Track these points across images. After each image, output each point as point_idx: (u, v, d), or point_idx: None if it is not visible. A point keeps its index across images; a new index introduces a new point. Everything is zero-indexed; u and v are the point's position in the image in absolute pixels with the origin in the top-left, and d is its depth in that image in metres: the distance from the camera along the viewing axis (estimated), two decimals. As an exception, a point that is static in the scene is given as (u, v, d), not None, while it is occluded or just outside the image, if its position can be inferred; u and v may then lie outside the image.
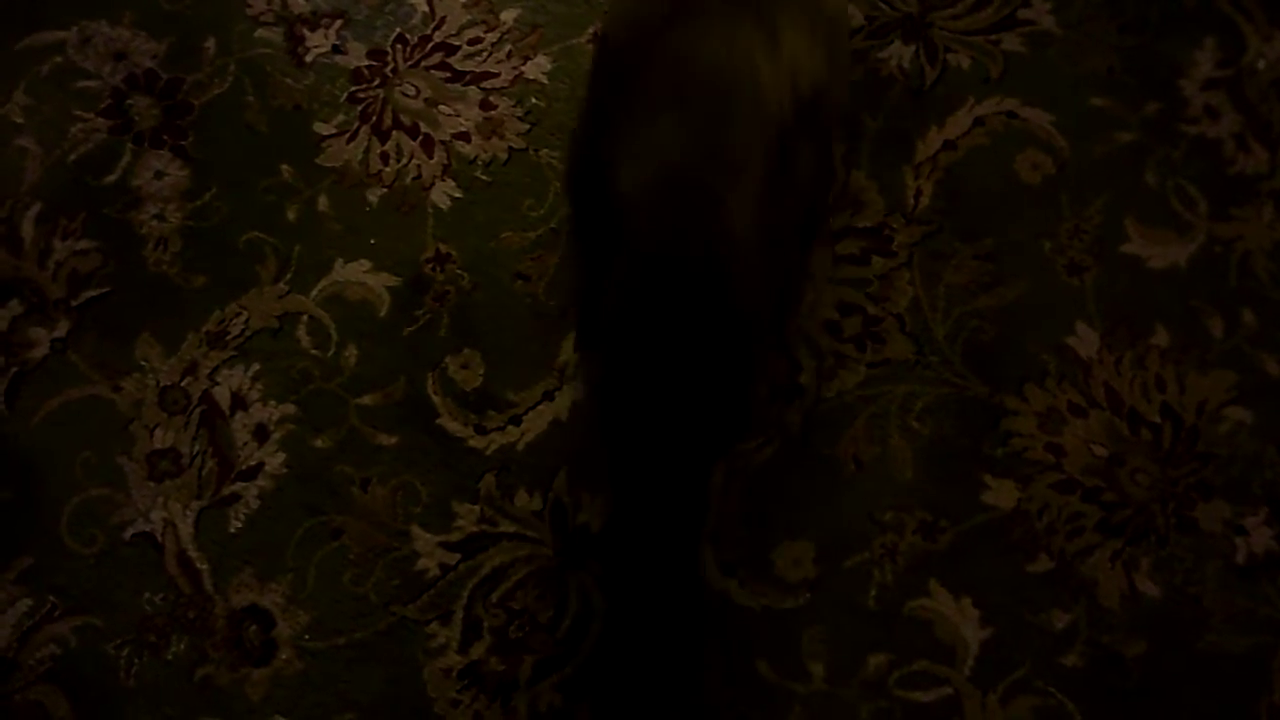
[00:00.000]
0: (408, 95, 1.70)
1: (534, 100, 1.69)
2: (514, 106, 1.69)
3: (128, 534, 1.49)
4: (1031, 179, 1.60)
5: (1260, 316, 1.50)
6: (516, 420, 1.51)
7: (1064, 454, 1.46)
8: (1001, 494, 1.45)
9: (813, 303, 1.55)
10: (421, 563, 1.46)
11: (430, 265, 1.60)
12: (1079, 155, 1.60)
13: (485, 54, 1.73)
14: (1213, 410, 1.46)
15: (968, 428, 1.48)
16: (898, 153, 1.62)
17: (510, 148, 1.66)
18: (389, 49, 1.74)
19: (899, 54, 1.68)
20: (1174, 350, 1.49)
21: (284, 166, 1.66)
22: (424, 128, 1.69)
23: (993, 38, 1.68)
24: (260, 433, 1.52)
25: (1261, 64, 1.64)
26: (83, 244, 1.63)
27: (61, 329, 1.58)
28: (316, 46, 1.74)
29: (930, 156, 1.62)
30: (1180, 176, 1.58)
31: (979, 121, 1.64)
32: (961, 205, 1.59)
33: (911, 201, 1.59)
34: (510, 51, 1.73)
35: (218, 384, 1.55)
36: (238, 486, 1.50)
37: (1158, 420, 1.46)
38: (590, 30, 1.71)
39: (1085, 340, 1.50)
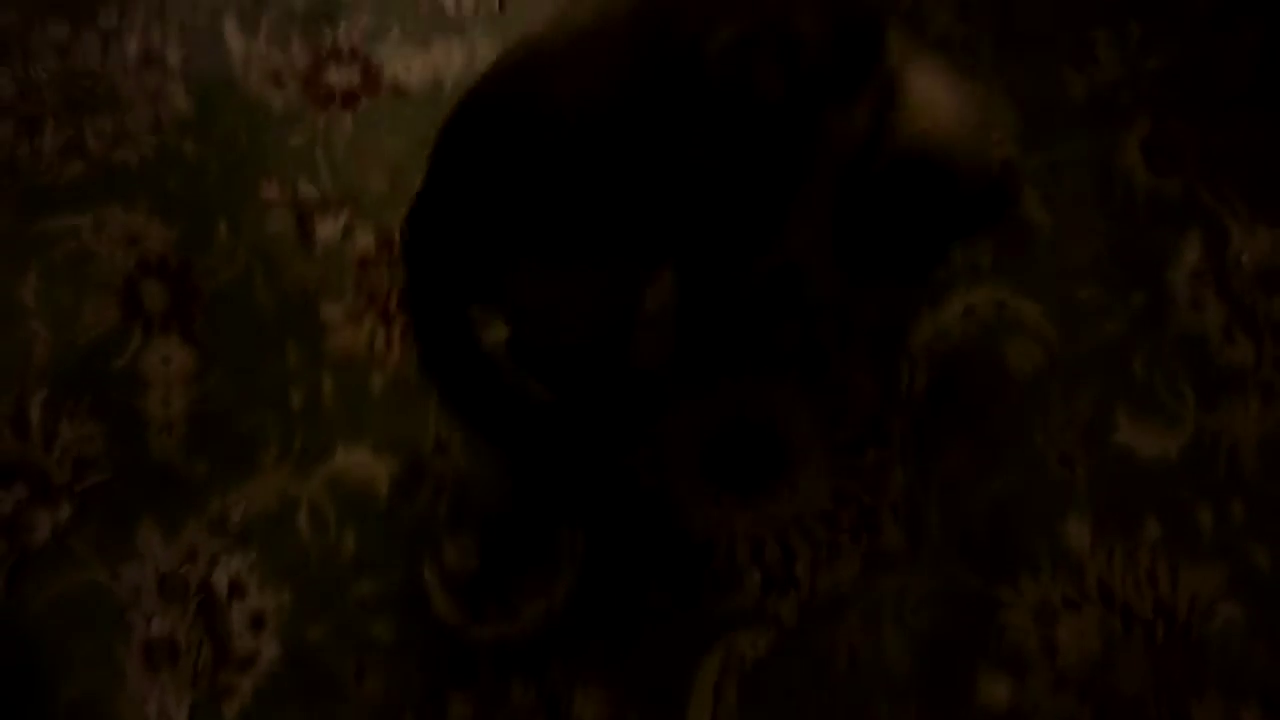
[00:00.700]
0: (412, 280, 1.80)
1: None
2: (516, 292, 1.79)
3: (122, 725, 1.54)
4: (1022, 368, 1.69)
5: (1249, 509, 1.57)
6: (512, 609, 1.57)
7: (1058, 649, 1.52)
8: (997, 689, 1.50)
9: (808, 492, 1.62)
10: (415, 755, 1.51)
11: (431, 450, 1.68)
12: (1068, 345, 1.70)
13: (488, 240, 1.83)
14: (1204, 605, 1.52)
15: (962, 621, 1.54)
16: (891, 341, 1.71)
17: (511, 333, 1.76)
18: (397, 235, 1.84)
19: (892, 243, 1.78)
20: (1165, 543, 1.56)
21: (290, 351, 1.76)
22: (427, 312, 1.78)
23: (983, 228, 1.78)
24: (257, 620, 1.59)
25: (1245, 257, 1.74)
26: (89, 428, 1.72)
27: (64, 514, 1.66)
28: (326, 232, 1.85)
29: (923, 344, 1.71)
30: (1168, 368, 1.67)
31: (970, 310, 1.74)
32: (953, 394, 1.67)
33: (905, 389, 1.68)
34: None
35: (216, 571, 1.62)
36: (233, 676, 1.56)
37: (1150, 615, 1.52)
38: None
39: (1077, 532, 1.57)
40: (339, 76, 1.99)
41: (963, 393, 1.67)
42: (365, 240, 1.85)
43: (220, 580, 1.61)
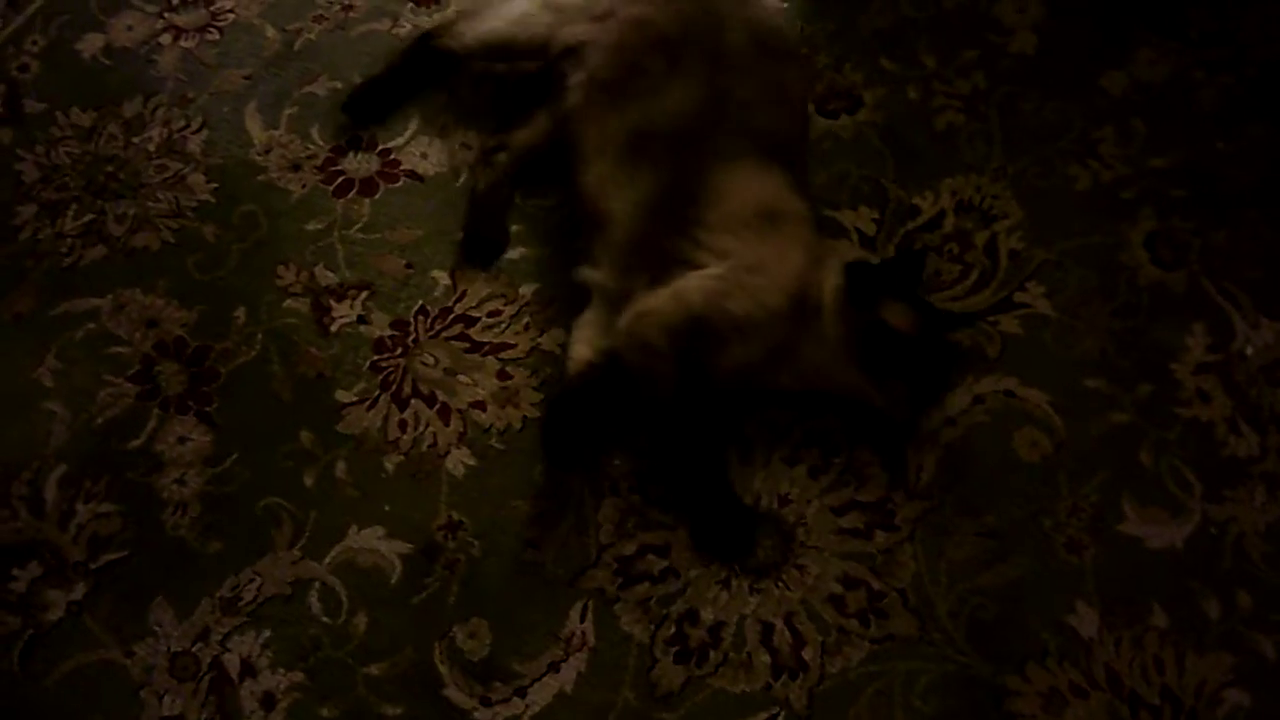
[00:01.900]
0: (427, 364, 1.93)
1: (549, 370, 1.91)
2: (530, 376, 1.91)
3: (132, 806, 1.62)
4: (1030, 457, 1.79)
5: (1255, 598, 1.66)
6: (522, 692, 1.67)
7: (1067, 736, 1.60)
8: (1005, 777, 1.58)
9: (817, 576, 1.72)
10: (424, 838, 1.59)
11: (442, 532, 1.78)
12: (1075, 435, 1.80)
13: (503, 325, 1.96)
14: (1211, 693, 1.61)
15: (971, 707, 1.62)
16: (901, 428, 1.82)
17: (525, 416, 1.88)
18: (411, 320, 1.97)
19: (901, 332, 1.90)
20: (1172, 631, 1.65)
21: (304, 433, 1.87)
22: (441, 396, 1.90)
23: (990, 319, 1.90)
24: (268, 701, 1.68)
25: (1250, 350, 1.86)
26: (104, 507, 1.83)
27: (78, 592, 1.76)
28: (342, 317, 1.98)
29: (931, 432, 1.81)
30: (1174, 458, 1.78)
31: (978, 399, 1.85)
32: (962, 481, 1.78)
33: (913, 477, 1.79)
34: (528, 324, 1.96)
35: (228, 650, 1.71)
36: (243, 756, 1.64)
37: (1157, 702, 1.61)
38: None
39: (1085, 619, 1.66)
40: (357, 164, 2.13)
41: (971, 480, 1.76)
42: (380, 324, 1.96)
43: (232, 660, 1.70)
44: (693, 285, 1.72)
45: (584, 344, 1.82)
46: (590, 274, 1.86)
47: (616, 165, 1.85)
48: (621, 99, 1.87)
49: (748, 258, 1.73)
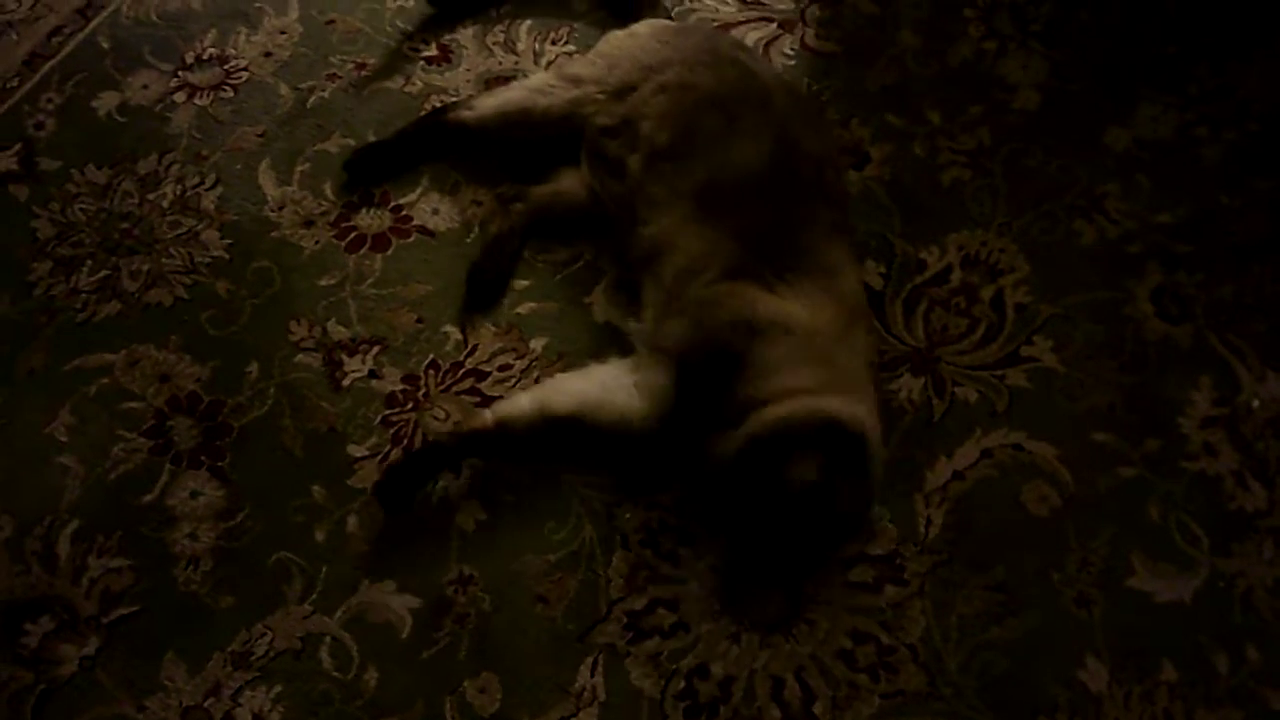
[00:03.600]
0: (438, 419, 1.96)
1: (557, 425, 1.93)
2: (539, 431, 1.93)
3: None
4: (1039, 510, 1.82)
5: (1264, 653, 1.68)
6: (533, 747, 1.68)
7: (1078, 793, 1.61)
8: (1016, 832, 1.59)
9: (827, 630, 1.74)
10: None
11: (452, 587, 1.81)
12: (1084, 488, 1.83)
13: (514, 379, 1.99)
14: (1223, 749, 1.62)
15: (982, 763, 1.64)
16: (908, 482, 1.85)
17: (535, 470, 1.90)
18: (422, 374, 2.01)
19: (909, 386, 1.94)
20: (1182, 686, 1.66)
21: (316, 488, 1.90)
22: (452, 450, 1.93)
23: (998, 373, 1.93)
24: (279, 756, 1.69)
25: (1256, 403, 1.88)
26: (117, 562, 1.85)
27: (91, 647, 1.78)
28: (354, 371, 2.01)
29: (940, 486, 1.84)
30: (1182, 512, 1.80)
31: (986, 453, 1.87)
32: (971, 535, 1.80)
33: (922, 530, 1.81)
34: (538, 377, 1.99)
35: (240, 705, 1.73)
36: (254, 814, 1.66)
37: (1169, 759, 1.62)
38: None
39: (1095, 674, 1.68)
40: (369, 220, 2.18)
41: (980, 534, 1.79)
42: (391, 379, 1.99)
43: (244, 715, 1.73)
44: (768, 301, 1.78)
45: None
46: (634, 325, 1.92)
47: (688, 213, 1.89)
48: (686, 158, 1.91)
49: (822, 324, 1.78)
